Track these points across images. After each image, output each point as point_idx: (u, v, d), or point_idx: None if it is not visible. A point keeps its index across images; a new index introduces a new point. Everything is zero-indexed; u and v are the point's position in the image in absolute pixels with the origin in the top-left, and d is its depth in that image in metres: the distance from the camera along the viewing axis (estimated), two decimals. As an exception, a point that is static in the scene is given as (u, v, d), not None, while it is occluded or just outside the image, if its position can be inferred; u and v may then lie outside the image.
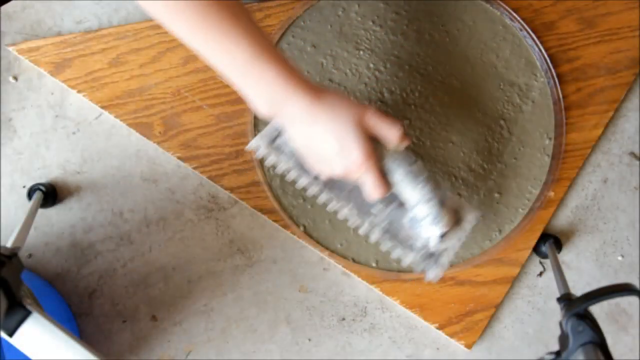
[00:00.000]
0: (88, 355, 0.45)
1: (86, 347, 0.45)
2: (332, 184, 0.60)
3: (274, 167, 0.62)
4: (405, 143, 0.53)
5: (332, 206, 0.60)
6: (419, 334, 0.66)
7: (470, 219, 0.59)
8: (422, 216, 0.56)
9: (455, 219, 0.59)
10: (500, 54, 0.68)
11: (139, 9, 0.70)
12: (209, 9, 0.46)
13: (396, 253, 0.59)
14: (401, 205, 0.58)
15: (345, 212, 0.60)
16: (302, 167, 0.59)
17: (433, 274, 0.58)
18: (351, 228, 0.65)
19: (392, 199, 0.58)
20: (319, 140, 0.51)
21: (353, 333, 0.66)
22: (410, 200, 0.55)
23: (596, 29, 0.70)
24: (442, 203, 0.56)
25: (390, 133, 0.51)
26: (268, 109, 0.51)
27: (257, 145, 0.59)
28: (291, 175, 0.59)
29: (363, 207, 0.60)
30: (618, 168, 0.69)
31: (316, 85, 0.51)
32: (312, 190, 0.60)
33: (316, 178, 0.59)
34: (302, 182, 0.59)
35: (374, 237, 0.60)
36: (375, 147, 0.52)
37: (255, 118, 0.66)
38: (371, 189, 0.53)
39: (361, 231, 0.60)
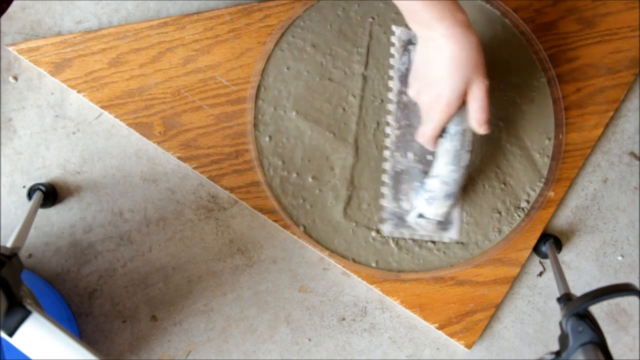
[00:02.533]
0: (88, 355, 0.45)
1: (86, 347, 0.45)
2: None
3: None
4: (483, 130, 0.56)
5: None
6: (419, 334, 0.66)
7: (451, 235, 0.64)
8: (429, 189, 0.60)
9: (442, 225, 0.63)
10: (499, 54, 0.68)
11: (139, 9, 0.70)
12: None
13: (385, 193, 0.64)
14: (425, 171, 0.62)
15: (392, 137, 0.65)
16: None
17: (388, 229, 0.63)
18: (350, 228, 0.65)
19: (423, 158, 0.64)
20: (439, 60, 0.53)
21: (353, 333, 0.66)
22: (435, 170, 0.59)
23: (596, 29, 0.70)
24: (452, 201, 0.59)
25: (478, 115, 0.54)
26: (429, 18, 0.52)
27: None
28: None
29: (404, 145, 0.65)
30: (618, 168, 0.69)
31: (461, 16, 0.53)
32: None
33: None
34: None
35: (387, 167, 0.64)
36: (460, 107, 0.55)
37: (255, 118, 0.66)
38: (425, 131, 0.57)
39: (386, 165, 0.64)
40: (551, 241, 0.66)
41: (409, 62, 0.65)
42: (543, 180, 0.66)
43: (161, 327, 0.66)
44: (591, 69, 0.69)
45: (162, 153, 0.67)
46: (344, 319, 0.66)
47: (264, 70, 0.67)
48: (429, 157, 0.63)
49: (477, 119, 0.55)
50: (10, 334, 0.44)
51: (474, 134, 0.57)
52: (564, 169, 0.68)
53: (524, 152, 0.66)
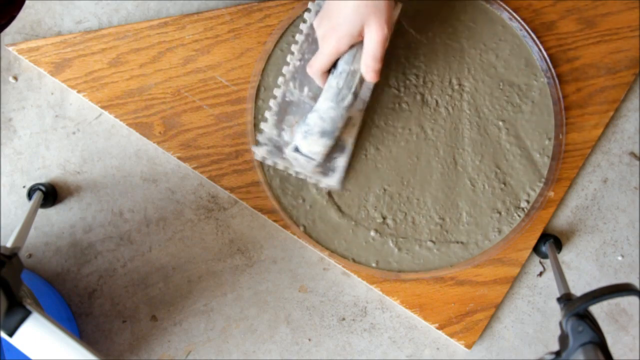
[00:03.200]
0: (88, 355, 0.45)
1: (86, 347, 0.45)
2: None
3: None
4: (370, 78, 0.55)
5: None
6: (419, 334, 0.66)
7: (330, 182, 0.63)
8: (307, 122, 0.59)
9: (325, 166, 0.62)
10: (499, 54, 0.68)
11: (139, 9, 0.70)
12: None
13: (267, 118, 0.63)
14: (311, 100, 0.62)
15: (291, 66, 0.64)
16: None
17: (261, 153, 0.62)
18: (350, 228, 0.65)
19: (317, 97, 0.62)
20: (335, 9, 0.54)
21: (353, 333, 0.66)
22: (316, 104, 0.58)
23: (596, 29, 0.70)
24: (327, 140, 0.58)
25: (368, 60, 0.54)
26: None
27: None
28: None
29: (301, 77, 0.64)
30: (618, 168, 0.69)
31: None
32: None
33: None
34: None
35: (277, 93, 0.64)
36: (353, 45, 0.55)
37: (255, 118, 0.66)
38: (313, 63, 0.57)
39: (277, 91, 0.64)
40: (551, 241, 0.66)
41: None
42: (543, 180, 0.66)
43: (161, 327, 0.66)
44: (591, 69, 0.69)
45: (162, 153, 0.67)
46: (344, 319, 0.66)
47: (264, 70, 0.67)
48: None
49: (366, 63, 0.55)
50: (10, 334, 0.44)
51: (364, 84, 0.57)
52: (564, 169, 0.68)
53: (524, 152, 0.66)
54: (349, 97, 0.57)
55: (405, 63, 0.67)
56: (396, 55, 0.67)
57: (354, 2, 0.53)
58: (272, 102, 0.64)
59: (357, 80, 0.57)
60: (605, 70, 0.69)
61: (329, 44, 0.56)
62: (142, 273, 0.66)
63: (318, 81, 0.60)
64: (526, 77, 0.67)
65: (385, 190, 0.65)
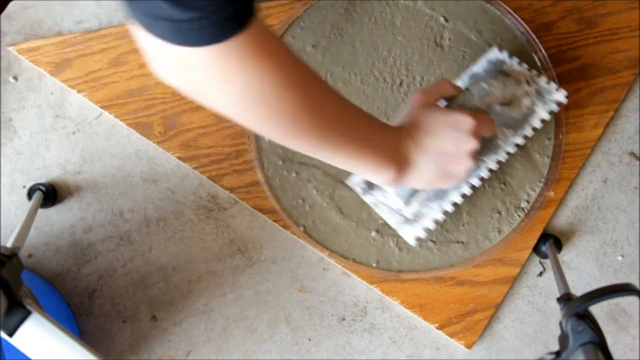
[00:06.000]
0: (88, 355, 0.45)
1: (86, 347, 0.45)
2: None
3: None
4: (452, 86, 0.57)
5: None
6: (419, 334, 0.66)
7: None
8: (513, 94, 0.61)
9: (511, 70, 0.62)
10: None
11: (139, 9, 0.69)
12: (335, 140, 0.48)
13: (534, 123, 0.63)
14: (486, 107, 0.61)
15: (491, 164, 0.63)
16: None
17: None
18: (351, 228, 0.65)
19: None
20: (435, 145, 0.53)
21: (353, 333, 0.66)
22: (497, 98, 0.59)
23: (596, 29, 0.70)
24: (504, 74, 0.60)
25: (443, 88, 0.56)
26: (394, 168, 0.53)
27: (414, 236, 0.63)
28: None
29: (489, 147, 0.63)
30: (618, 168, 0.69)
31: (402, 124, 0.54)
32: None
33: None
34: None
35: (519, 141, 0.63)
36: None
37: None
38: (488, 124, 0.56)
39: (510, 150, 0.63)
40: (551, 241, 0.65)
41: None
42: (543, 180, 0.66)
43: (161, 327, 0.66)
44: (591, 69, 0.69)
45: (162, 153, 0.67)
46: (344, 319, 0.66)
47: (264, 70, 0.66)
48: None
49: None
50: (10, 334, 0.44)
51: None
52: (564, 169, 0.68)
53: (524, 152, 0.66)
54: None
55: (402, 66, 0.67)
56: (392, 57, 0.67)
57: (439, 143, 0.53)
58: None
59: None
60: (605, 70, 0.69)
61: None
62: (142, 273, 0.66)
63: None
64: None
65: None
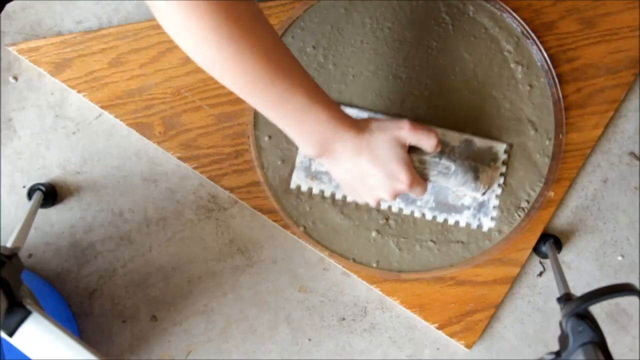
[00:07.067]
0: (88, 355, 0.45)
1: (86, 347, 0.45)
2: None
3: (321, 192, 0.65)
4: (439, 148, 0.56)
5: (383, 205, 0.65)
6: (419, 334, 0.66)
7: (499, 155, 0.64)
8: (462, 194, 0.63)
9: (488, 172, 0.63)
10: (500, 54, 0.68)
11: (139, 9, 0.70)
12: (268, 68, 0.48)
13: (453, 218, 0.64)
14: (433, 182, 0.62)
15: (395, 208, 0.65)
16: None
17: (490, 223, 0.64)
18: (351, 228, 0.65)
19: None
20: (365, 170, 0.54)
21: (353, 333, 0.66)
22: (448, 185, 0.60)
23: (596, 29, 0.70)
24: (475, 176, 0.60)
25: (429, 143, 0.55)
26: (317, 150, 0.53)
27: (298, 182, 0.64)
28: (338, 195, 0.64)
29: (406, 198, 0.65)
30: (618, 168, 0.69)
31: (357, 120, 0.54)
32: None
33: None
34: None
35: (429, 216, 0.64)
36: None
37: (255, 118, 0.66)
38: (418, 193, 0.57)
39: (416, 214, 0.65)
40: (551, 241, 0.66)
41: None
42: (543, 180, 0.66)
43: (161, 327, 0.66)
44: (591, 69, 0.69)
45: (162, 153, 0.67)
46: (344, 319, 0.66)
47: (264, 70, 0.66)
48: None
49: (428, 148, 0.56)
50: (10, 334, 0.44)
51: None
52: (564, 169, 0.68)
53: (524, 152, 0.66)
54: (452, 172, 0.59)
55: (399, 67, 0.67)
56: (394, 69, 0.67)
57: (374, 165, 0.54)
58: (445, 216, 0.65)
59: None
60: (605, 70, 0.69)
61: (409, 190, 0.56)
62: (142, 273, 0.66)
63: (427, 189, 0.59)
64: (526, 77, 0.67)
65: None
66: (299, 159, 0.65)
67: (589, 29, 0.69)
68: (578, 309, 0.45)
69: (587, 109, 0.68)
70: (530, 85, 0.67)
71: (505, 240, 0.65)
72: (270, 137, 0.66)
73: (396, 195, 0.55)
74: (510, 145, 0.65)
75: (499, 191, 0.65)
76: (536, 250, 0.67)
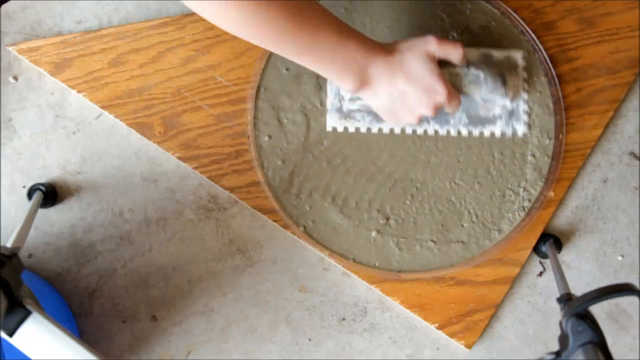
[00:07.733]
0: (88, 355, 0.45)
1: (86, 347, 0.45)
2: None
3: (356, 129, 0.66)
4: (465, 59, 0.60)
5: (419, 129, 0.66)
6: (419, 334, 0.66)
7: (518, 62, 0.66)
8: (493, 100, 0.65)
9: (513, 79, 0.66)
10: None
11: (139, 9, 0.70)
12: (294, 17, 0.50)
13: (488, 129, 0.66)
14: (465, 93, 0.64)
15: (430, 130, 0.66)
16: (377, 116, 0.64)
17: (523, 127, 0.66)
18: (351, 228, 0.65)
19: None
20: (403, 91, 0.56)
21: (353, 333, 0.66)
22: (480, 94, 0.63)
23: (596, 29, 0.70)
24: (503, 80, 0.64)
25: (456, 53, 0.58)
26: (356, 82, 0.56)
27: (333, 124, 0.65)
28: (373, 126, 0.66)
29: (440, 116, 0.66)
30: (618, 168, 0.69)
31: (385, 44, 0.57)
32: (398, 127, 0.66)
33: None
34: (385, 125, 0.66)
35: (464, 132, 0.66)
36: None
37: (255, 118, 0.66)
38: (454, 106, 0.59)
39: (452, 133, 0.66)
40: (551, 241, 0.66)
41: (364, 110, 0.66)
42: (543, 180, 0.66)
43: (161, 327, 0.66)
44: (591, 69, 0.69)
45: (162, 153, 0.67)
46: (344, 319, 0.66)
47: (264, 70, 0.67)
48: None
49: (455, 59, 0.59)
50: (10, 334, 0.44)
51: None
52: (564, 169, 0.68)
53: (524, 151, 0.66)
54: (483, 78, 0.63)
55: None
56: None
57: (410, 82, 0.56)
58: (480, 128, 0.66)
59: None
60: (605, 70, 0.69)
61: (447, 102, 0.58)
62: (142, 273, 0.66)
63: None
64: (526, 77, 0.67)
65: (389, 189, 0.65)
66: (329, 102, 0.65)
67: (589, 29, 0.70)
68: (578, 309, 0.45)
69: (587, 109, 0.69)
70: (530, 85, 0.67)
71: (505, 240, 0.65)
72: (270, 137, 0.66)
73: (437, 109, 0.57)
74: (528, 52, 0.67)
75: (525, 96, 0.66)
76: (536, 250, 0.67)
